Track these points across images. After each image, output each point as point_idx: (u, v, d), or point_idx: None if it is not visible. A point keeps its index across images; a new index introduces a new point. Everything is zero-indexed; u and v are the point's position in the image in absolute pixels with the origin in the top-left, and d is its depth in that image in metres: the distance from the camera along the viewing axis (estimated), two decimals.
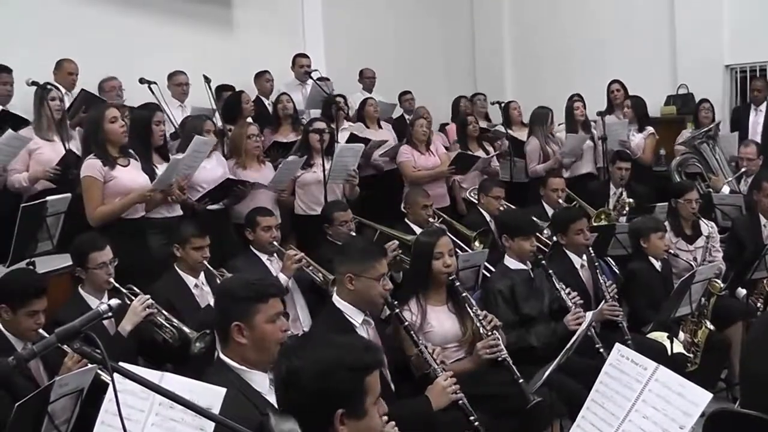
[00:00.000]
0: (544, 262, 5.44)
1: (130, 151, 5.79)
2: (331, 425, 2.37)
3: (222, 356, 3.19)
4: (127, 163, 5.69)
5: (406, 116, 10.33)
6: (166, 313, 4.84)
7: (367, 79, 10.78)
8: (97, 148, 5.59)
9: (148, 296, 4.78)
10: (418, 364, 4.43)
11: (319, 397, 2.39)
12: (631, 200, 7.99)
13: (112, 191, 5.58)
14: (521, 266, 5.41)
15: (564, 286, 5.39)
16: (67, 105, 6.91)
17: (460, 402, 4.11)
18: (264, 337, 3.15)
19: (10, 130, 5.96)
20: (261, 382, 3.14)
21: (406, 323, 4.42)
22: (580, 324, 4.99)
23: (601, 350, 4.91)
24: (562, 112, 9.35)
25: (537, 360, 4.75)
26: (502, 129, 9.68)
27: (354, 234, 6.47)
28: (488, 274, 6.27)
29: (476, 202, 7.76)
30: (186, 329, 4.75)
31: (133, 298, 4.79)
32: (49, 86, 6.33)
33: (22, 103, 6.63)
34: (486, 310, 4.99)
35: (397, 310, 4.44)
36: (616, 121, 9.11)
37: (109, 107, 5.98)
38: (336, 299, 4.34)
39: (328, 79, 9.98)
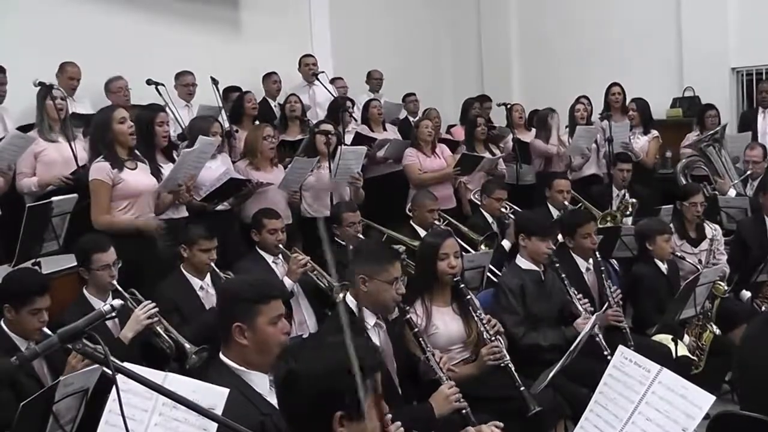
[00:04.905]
0: (558, 265, 5.43)
1: (138, 153, 5.81)
2: (330, 427, 2.37)
3: (222, 357, 3.19)
4: (135, 166, 5.69)
5: (411, 118, 10.34)
6: (166, 323, 4.82)
7: (374, 81, 10.81)
8: (105, 149, 5.59)
9: (151, 304, 4.76)
10: (425, 370, 4.43)
11: (317, 399, 2.39)
12: (634, 200, 8.02)
13: (120, 194, 5.58)
14: (533, 267, 5.40)
15: (576, 292, 5.39)
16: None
17: (464, 411, 4.10)
18: (265, 339, 3.14)
19: (13, 129, 5.97)
20: (261, 383, 3.14)
21: (416, 329, 4.42)
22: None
23: (609, 357, 4.87)
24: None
25: (543, 361, 4.74)
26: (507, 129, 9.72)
27: (361, 236, 6.49)
28: (492, 277, 6.29)
29: (479, 203, 7.76)
30: (186, 344, 4.74)
31: (135, 304, 4.78)
32: (54, 87, 6.34)
33: (28, 104, 6.62)
34: (497, 306, 5.01)
35: (408, 316, 4.44)
36: (617, 123, 9.10)
37: (117, 108, 5.99)
38: (349, 299, 4.33)
39: (341, 79, 10.03)
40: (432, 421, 4.07)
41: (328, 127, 7.31)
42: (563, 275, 5.41)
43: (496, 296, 5.30)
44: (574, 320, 5.26)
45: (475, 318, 4.74)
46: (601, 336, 5.13)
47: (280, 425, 2.89)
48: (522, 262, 5.44)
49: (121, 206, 5.61)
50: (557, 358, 4.43)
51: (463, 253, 5.72)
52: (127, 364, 2.45)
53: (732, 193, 8.22)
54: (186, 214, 6.11)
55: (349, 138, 8.36)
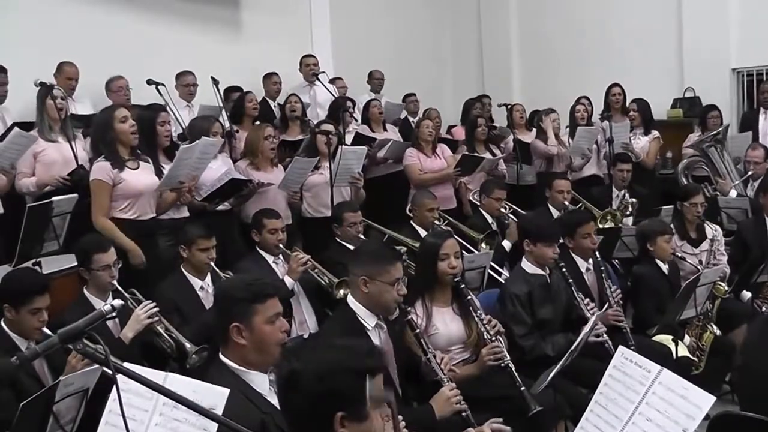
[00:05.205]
0: (565, 270, 5.43)
1: (140, 152, 5.80)
2: (331, 427, 2.37)
3: (222, 357, 3.19)
4: (137, 166, 5.70)
5: (411, 118, 10.35)
6: (166, 323, 4.81)
7: (376, 80, 10.82)
8: (106, 149, 5.60)
9: (151, 304, 4.76)
10: (426, 371, 4.43)
11: (318, 400, 2.38)
12: (634, 200, 8.03)
13: (121, 194, 5.60)
14: (538, 271, 5.38)
15: (583, 297, 5.38)
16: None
17: (464, 414, 4.10)
18: (263, 338, 3.14)
19: (16, 128, 5.96)
20: (261, 383, 3.14)
21: (418, 330, 4.40)
22: (599, 335, 5.04)
23: None
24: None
25: (542, 364, 4.74)
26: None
27: (362, 236, 6.49)
28: (494, 275, 6.29)
29: (478, 204, 7.77)
30: (187, 343, 4.72)
31: (136, 304, 4.77)
32: (55, 87, 6.32)
33: (28, 104, 6.62)
34: (504, 314, 5.02)
35: (410, 317, 4.42)
36: (617, 123, 9.10)
37: (118, 107, 5.99)
38: (350, 300, 4.31)
39: (341, 79, 10.02)
40: (432, 423, 4.07)
41: (329, 127, 7.31)
42: (570, 280, 5.40)
43: (503, 303, 5.27)
44: (581, 323, 5.23)
45: (476, 318, 4.74)
46: (610, 343, 5.12)
47: (280, 424, 2.89)
48: (528, 267, 5.42)
49: (122, 206, 5.62)
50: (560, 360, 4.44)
51: (464, 253, 5.73)
52: (127, 364, 2.46)
53: (733, 193, 8.22)
54: (187, 214, 6.11)
55: (349, 138, 8.36)
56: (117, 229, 5.52)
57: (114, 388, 2.48)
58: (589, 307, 5.34)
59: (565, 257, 5.83)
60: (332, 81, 9.86)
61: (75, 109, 7.27)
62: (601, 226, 7.28)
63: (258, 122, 8.23)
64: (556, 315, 5.31)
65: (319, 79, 9.40)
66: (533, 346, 5.08)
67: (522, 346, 5.05)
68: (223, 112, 8.02)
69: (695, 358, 5.80)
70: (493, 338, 4.64)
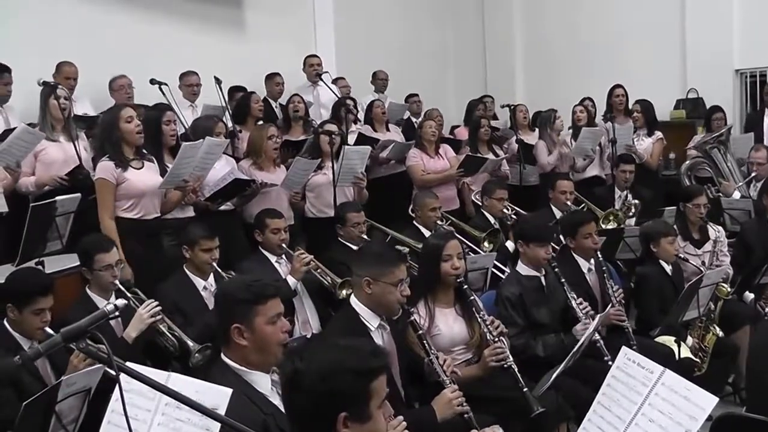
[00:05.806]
0: (557, 269, 5.41)
1: (146, 152, 5.80)
2: (334, 428, 2.37)
3: (224, 358, 3.19)
4: (141, 166, 5.70)
5: (413, 119, 10.34)
6: (169, 322, 4.79)
7: (380, 81, 10.81)
8: (111, 148, 5.60)
9: (154, 303, 4.74)
10: (428, 372, 4.43)
11: (321, 400, 2.39)
12: (636, 201, 8.02)
13: (124, 193, 5.61)
14: (533, 273, 5.37)
15: (576, 296, 5.37)
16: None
17: (466, 416, 4.10)
18: (264, 339, 3.14)
19: (22, 124, 5.94)
20: (262, 383, 3.15)
21: (421, 332, 4.40)
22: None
23: (610, 362, 4.85)
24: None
25: (544, 365, 4.73)
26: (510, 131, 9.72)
27: (365, 236, 6.48)
28: (500, 274, 6.29)
29: (480, 204, 7.76)
30: (189, 342, 4.71)
31: (138, 304, 4.76)
32: (59, 86, 6.31)
33: (29, 103, 6.62)
34: (499, 317, 5.01)
35: (413, 318, 4.42)
36: (620, 125, 9.10)
37: (124, 107, 5.98)
38: (354, 301, 4.32)
39: (343, 78, 10.02)
40: (434, 425, 4.06)
41: (332, 127, 7.31)
42: (562, 279, 5.38)
43: (498, 306, 5.28)
44: (576, 324, 5.24)
45: (478, 319, 4.73)
46: (602, 342, 5.10)
47: (282, 425, 2.89)
48: (522, 269, 5.42)
49: (126, 205, 5.63)
50: (558, 360, 4.42)
51: (468, 254, 5.72)
52: (130, 364, 2.46)
53: (736, 195, 8.22)
54: (192, 214, 6.09)
55: (351, 138, 8.35)
56: (117, 236, 5.46)
57: (117, 388, 2.49)
58: (581, 307, 5.32)
59: (567, 257, 5.84)
60: (335, 81, 9.86)
61: (75, 109, 7.25)
62: (603, 226, 7.29)
63: (261, 122, 8.23)
64: (552, 316, 5.28)
65: (322, 79, 9.42)
66: (524, 346, 5.07)
67: (512, 347, 5.03)
68: (227, 112, 8.01)
69: (698, 360, 5.80)
70: (496, 339, 4.63)
